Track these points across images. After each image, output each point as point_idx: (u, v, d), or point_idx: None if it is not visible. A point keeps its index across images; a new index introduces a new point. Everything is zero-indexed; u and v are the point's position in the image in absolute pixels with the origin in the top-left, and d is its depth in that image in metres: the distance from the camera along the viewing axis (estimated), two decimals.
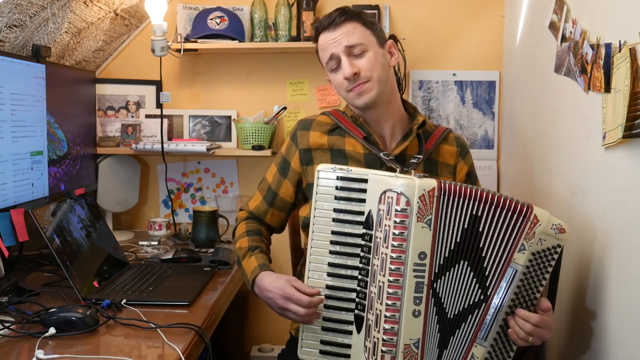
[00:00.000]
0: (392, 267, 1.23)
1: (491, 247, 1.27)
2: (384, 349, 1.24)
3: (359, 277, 1.30)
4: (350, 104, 1.54)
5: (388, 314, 1.23)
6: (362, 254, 1.30)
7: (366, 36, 1.47)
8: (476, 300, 1.27)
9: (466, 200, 1.26)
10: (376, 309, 1.26)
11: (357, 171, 1.33)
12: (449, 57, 2.49)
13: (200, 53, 2.52)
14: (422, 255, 1.24)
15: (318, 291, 1.31)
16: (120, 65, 2.58)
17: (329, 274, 1.33)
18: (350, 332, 1.31)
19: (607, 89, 1.28)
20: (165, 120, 2.50)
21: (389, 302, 1.23)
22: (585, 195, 1.45)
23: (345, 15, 1.47)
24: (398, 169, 1.40)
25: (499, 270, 1.27)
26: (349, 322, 1.31)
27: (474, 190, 1.27)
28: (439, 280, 1.26)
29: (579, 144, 1.49)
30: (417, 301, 1.24)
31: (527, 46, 2.08)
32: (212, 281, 1.79)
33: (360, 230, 1.31)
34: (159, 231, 2.42)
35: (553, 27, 1.71)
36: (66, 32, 2.04)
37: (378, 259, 1.26)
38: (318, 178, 1.34)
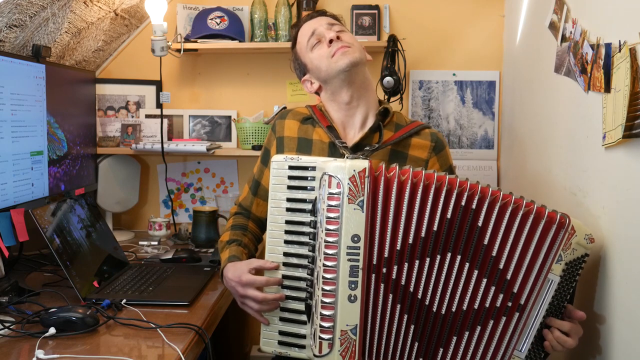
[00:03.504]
0: (328, 251, 1.21)
1: (506, 251, 1.21)
2: (322, 335, 1.23)
3: (309, 265, 1.30)
4: (334, 70, 1.49)
5: (326, 300, 1.21)
6: (310, 241, 1.30)
7: (344, 26, 1.61)
8: (498, 305, 1.23)
9: (440, 189, 1.20)
10: (317, 295, 1.24)
11: (305, 159, 1.32)
12: (449, 57, 2.49)
13: (200, 53, 2.52)
14: (356, 238, 1.20)
15: (277, 265, 1.32)
16: (120, 65, 2.58)
17: (284, 264, 1.32)
18: (305, 322, 1.31)
19: (607, 89, 1.28)
20: (165, 120, 2.50)
21: (326, 288, 1.21)
22: (585, 195, 1.45)
23: (324, 12, 1.63)
24: (346, 155, 1.39)
25: (532, 279, 1.22)
26: (302, 312, 1.31)
27: (456, 181, 1.21)
28: (395, 267, 1.22)
29: (579, 144, 1.49)
30: (353, 286, 1.20)
31: (527, 46, 2.08)
32: (212, 281, 1.79)
33: (309, 218, 1.30)
34: (159, 231, 2.42)
35: (553, 27, 1.71)
36: (66, 32, 2.04)
37: (317, 246, 1.26)
38: (273, 169, 1.34)
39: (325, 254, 1.21)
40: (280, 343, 1.33)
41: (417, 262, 1.22)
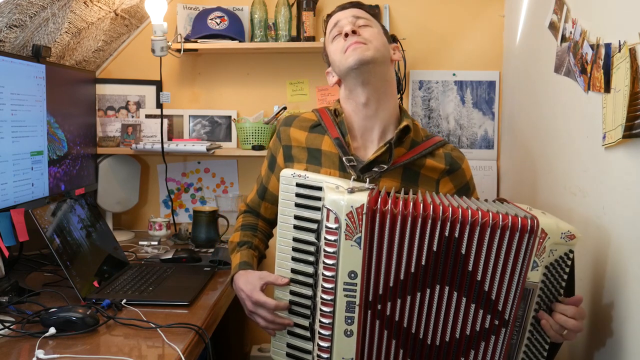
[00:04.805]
0: (325, 285, 1.20)
1: (489, 271, 1.20)
2: None
3: (313, 284, 1.29)
4: (344, 68, 1.42)
5: (323, 332, 1.21)
6: (314, 262, 1.28)
7: (374, 21, 1.50)
8: (487, 326, 1.22)
9: (426, 221, 1.17)
10: (316, 324, 1.24)
11: (313, 178, 1.29)
12: (449, 57, 2.49)
13: (200, 53, 2.52)
14: (353, 275, 1.19)
15: (288, 280, 1.31)
16: (120, 65, 2.58)
17: (292, 280, 1.31)
18: (310, 339, 1.30)
19: (607, 89, 1.28)
20: (166, 120, 2.50)
21: (324, 321, 1.21)
22: (585, 195, 1.45)
23: (358, 4, 1.54)
24: (353, 176, 1.34)
25: (512, 293, 1.20)
26: (308, 328, 1.31)
27: (440, 209, 1.17)
28: (389, 303, 1.21)
29: (579, 144, 1.49)
30: (349, 321, 1.20)
31: (527, 46, 2.08)
32: (212, 281, 1.79)
33: (314, 239, 1.28)
34: (159, 231, 2.42)
35: (553, 27, 1.71)
36: (66, 32, 2.04)
37: (318, 274, 1.24)
38: (281, 183, 1.32)
39: (323, 287, 1.21)
40: (288, 355, 1.34)
41: (409, 297, 1.21)
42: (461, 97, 2.49)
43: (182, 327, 1.40)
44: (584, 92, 1.44)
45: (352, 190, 1.21)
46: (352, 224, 1.18)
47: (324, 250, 1.20)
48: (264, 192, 1.59)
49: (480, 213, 1.18)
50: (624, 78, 1.19)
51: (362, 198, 1.18)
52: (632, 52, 1.17)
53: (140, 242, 2.29)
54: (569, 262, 1.23)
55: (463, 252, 1.19)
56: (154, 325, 1.39)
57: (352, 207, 1.17)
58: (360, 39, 1.42)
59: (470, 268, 1.20)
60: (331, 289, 1.20)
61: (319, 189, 1.28)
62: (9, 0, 1.67)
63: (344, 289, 1.19)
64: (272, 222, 1.62)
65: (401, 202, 1.19)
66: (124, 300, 1.54)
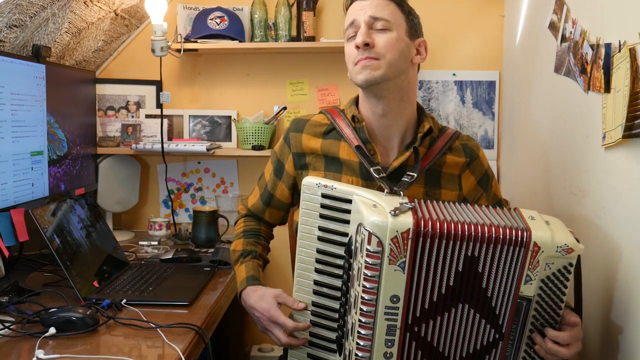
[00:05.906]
0: (364, 308, 1.16)
1: (497, 287, 1.19)
2: None
3: (342, 300, 1.26)
4: (355, 81, 1.36)
5: (360, 354, 1.19)
6: (343, 276, 1.25)
7: (396, 18, 1.36)
8: (491, 340, 1.22)
9: (455, 242, 1.16)
10: (350, 342, 1.22)
11: (341, 190, 1.24)
12: (449, 57, 2.49)
13: (201, 53, 2.52)
14: (395, 299, 1.16)
15: (304, 305, 1.28)
16: (120, 65, 2.58)
17: (315, 292, 1.28)
18: (334, 351, 1.28)
19: (607, 89, 1.28)
20: (166, 120, 2.50)
21: (360, 343, 1.18)
22: (585, 195, 1.45)
23: None
24: (386, 190, 1.25)
25: (508, 307, 1.20)
26: (332, 341, 1.28)
27: (465, 228, 1.16)
28: (424, 325, 1.19)
29: (579, 144, 1.49)
30: (389, 344, 1.18)
31: (527, 46, 2.08)
32: (212, 281, 1.79)
33: (342, 251, 1.24)
34: (159, 231, 2.42)
35: (553, 27, 1.71)
36: (66, 32, 2.04)
37: (352, 294, 1.21)
38: (304, 192, 1.26)
39: (361, 310, 1.17)
40: None
41: (439, 317, 1.20)
42: (461, 97, 2.49)
43: (182, 327, 1.40)
44: (584, 92, 1.44)
45: (395, 213, 1.14)
46: (397, 249, 1.13)
47: (364, 274, 1.15)
48: (270, 199, 1.52)
49: (493, 229, 1.17)
50: (624, 78, 1.19)
51: (407, 221, 1.14)
52: (632, 52, 1.17)
53: (140, 242, 2.30)
54: (569, 276, 1.20)
55: (480, 269, 1.18)
56: (154, 325, 1.40)
57: (397, 231, 1.13)
58: (372, 53, 1.31)
59: (484, 286, 1.19)
60: (370, 312, 1.17)
61: (348, 201, 1.23)
62: (9, 0, 1.67)
63: (385, 313, 1.16)
64: (275, 225, 1.60)
65: (438, 223, 1.16)
66: (124, 300, 1.54)
